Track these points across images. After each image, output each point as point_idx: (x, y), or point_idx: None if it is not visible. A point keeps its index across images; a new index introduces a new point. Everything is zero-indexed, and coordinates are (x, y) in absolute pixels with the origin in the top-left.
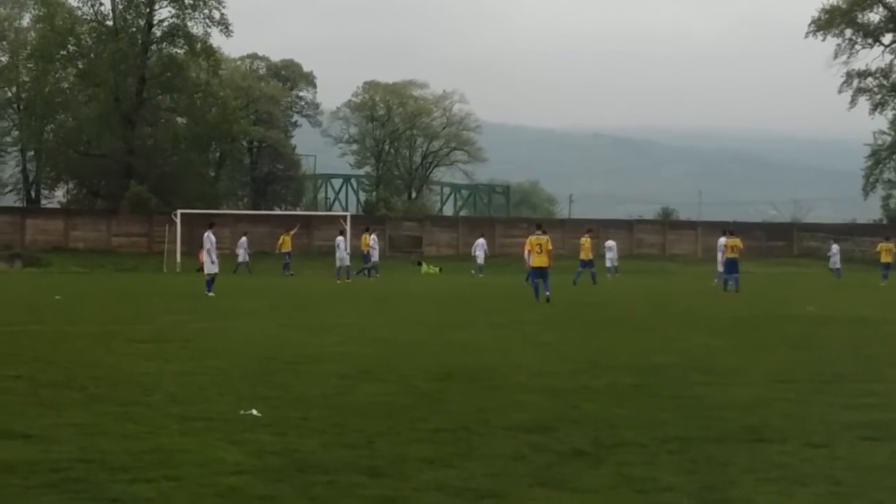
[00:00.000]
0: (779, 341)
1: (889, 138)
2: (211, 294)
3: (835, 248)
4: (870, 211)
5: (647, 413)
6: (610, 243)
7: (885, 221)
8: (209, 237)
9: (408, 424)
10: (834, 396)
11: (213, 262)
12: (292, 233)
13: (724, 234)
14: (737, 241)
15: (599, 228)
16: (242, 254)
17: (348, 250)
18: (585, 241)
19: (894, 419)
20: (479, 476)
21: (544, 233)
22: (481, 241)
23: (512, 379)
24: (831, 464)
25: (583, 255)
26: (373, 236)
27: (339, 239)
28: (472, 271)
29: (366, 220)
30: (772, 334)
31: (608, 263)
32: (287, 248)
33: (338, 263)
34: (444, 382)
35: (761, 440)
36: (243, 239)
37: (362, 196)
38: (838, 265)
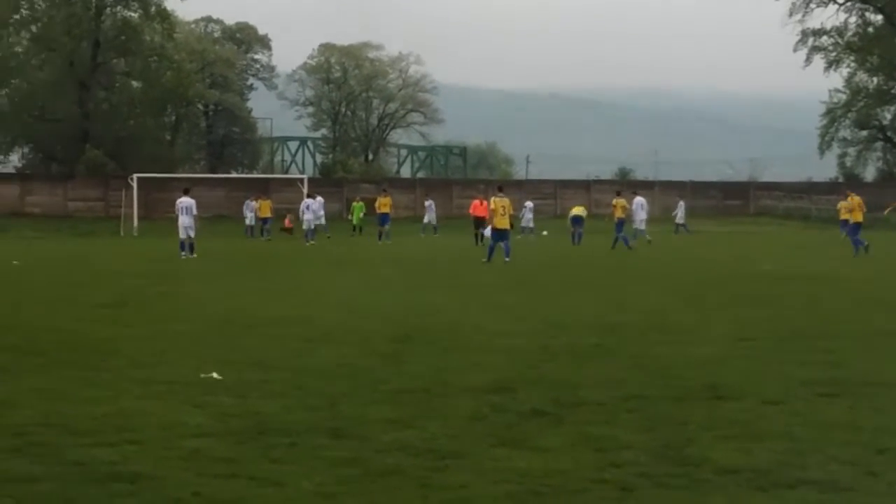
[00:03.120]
0: (736, 300)
1: (844, 97)
2: (185, 256)
3: (681, 204)
4: (826, 169)
5: (606, 372)
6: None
7: (840, 179)
8: (184, 203)
9: (369, 386)
10: (791, 354)
11: (189, 227)
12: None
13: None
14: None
15: (557, 188)
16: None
17: (322, 211)
18: (618, 202)
19: (850, 375)
20: (440, 436)
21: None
22: (429, 202)
23: (471, 340)
24: (788, 420)
25: (619, 215)
26: (318, 199)
27: (309, 201)
28: (421, 233)
29: (323, 183)
30: (729, 293)
31: (680, 220)
32: (266, 213)
33: (305, 226)
34: (404, 344)
35: (719, 398)
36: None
37: (319, 158)
38: (683, 221)
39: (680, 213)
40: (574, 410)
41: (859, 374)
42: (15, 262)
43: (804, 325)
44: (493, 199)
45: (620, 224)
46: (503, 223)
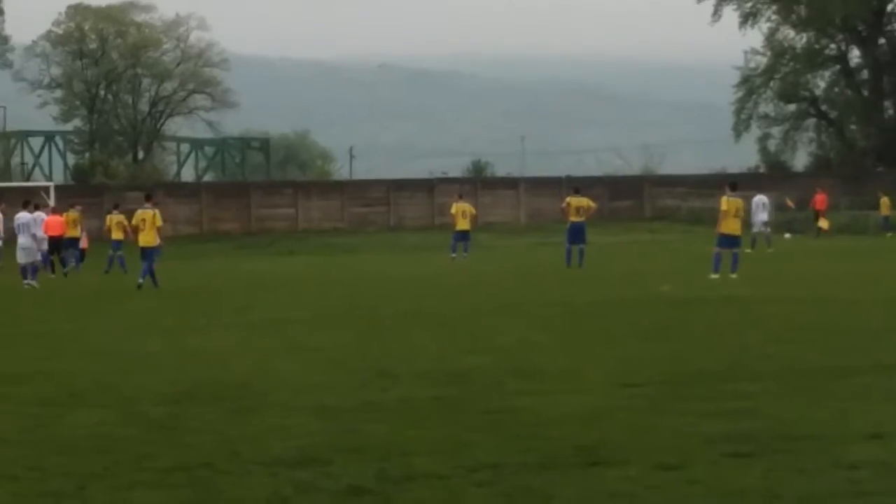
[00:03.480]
0: (624, 333)
1: (764, 59)
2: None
3: (761, 202)
4: (744, 156)
5: (449, 434)
6: (759, 199)
7: (762, 169)
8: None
9: (131, 463)
10: (693, 402)
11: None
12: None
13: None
14: (584, 201)
15: (391, 191)
16: None
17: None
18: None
19: (767, 428)
20: None
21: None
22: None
23: (271, 397)
24: (686, 490)
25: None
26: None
27: (25, 216)
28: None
29: (77, 191)
30: (615, 324)
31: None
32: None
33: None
34: (180, 405)
35: (597, 463)
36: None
37: (71, 159)
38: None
39: (761, 216)
40: (405, 486)
41: (779, 425)
42: None
43: (710, 363)
44: (455, 204)
45: (575, 230)
46: (464, 225)
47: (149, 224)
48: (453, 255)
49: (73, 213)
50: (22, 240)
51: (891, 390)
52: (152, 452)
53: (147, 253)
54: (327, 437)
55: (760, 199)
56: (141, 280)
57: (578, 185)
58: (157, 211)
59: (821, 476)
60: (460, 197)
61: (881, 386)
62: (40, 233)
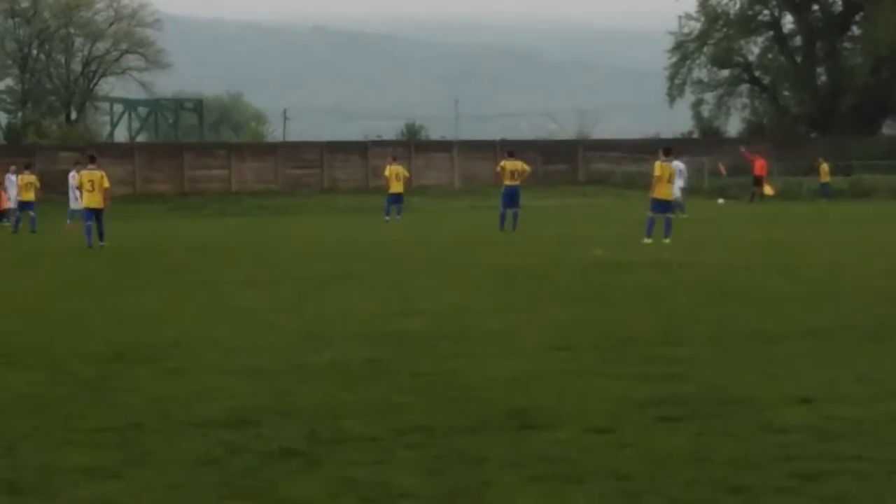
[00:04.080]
0: (557, 297)
1: (698, 25)
2: None
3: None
4: (678, 122)
5: (380, 397)
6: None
7: (696, 135)
8: None
9: (60, 423)
10: (624, 366)
11: None
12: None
13: (508, 155)
14: (518, 165)
15: (324, 153)
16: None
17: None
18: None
19: (697, 392)
20: (155, 488)
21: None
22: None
23: (202, 358)
24: (618, 453)
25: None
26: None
27: (9, 177)
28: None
29: (9, 151)
30: (548, 288)
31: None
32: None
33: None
34: (111, 366)
35: (528, 426)
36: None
37: (3, 118)
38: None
39: (678, 183)
40: (335, 448)
41: (709, 389)
42: None
43: (641, 327)
44: (388, 167)
45: (510, 194)
46: (397, 188)
47: (97, 185)
48: (387, 217)
49: (28, 177)
50: None
51: (821, 355)
52: (82, 412)
53: (97, 214)
54: (258, 399)
55: (677, 164)
56: (102, 242)
57: (512, 148)
58: (104, 172)
59: (750, 440)
60: (394, 159)
61: (811, 351)
62: None
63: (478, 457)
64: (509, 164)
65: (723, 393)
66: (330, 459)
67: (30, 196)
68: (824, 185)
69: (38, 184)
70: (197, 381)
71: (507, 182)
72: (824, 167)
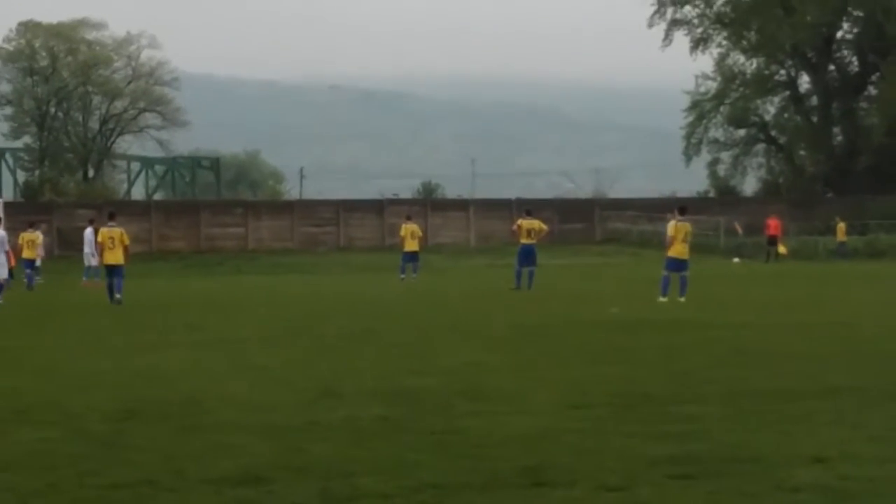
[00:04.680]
0: (572, 355)
1: (714, 84)
2: None
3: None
4: (694, 180)
5: (394, 454)
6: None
7: (712, 194)
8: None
9: (74, 480)
10: (638, 424)
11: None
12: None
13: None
14: (535, 224)
15: (341, 212)
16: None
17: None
18: (524, 223)
19: (711, 450)
20: None
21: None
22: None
23: (216, 416)
24: None
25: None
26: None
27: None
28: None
29: (26, 208)
30: (563, 346)
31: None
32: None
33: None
34: (126, 423)
35: (541, 484)
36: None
37: (21, 176)
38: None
39: None
40: None
41: (723, 447)
42: None
43: (656, 386)
44: (403, 226)
45: (526, 253)
46: (413, 246)
47: (118, 242)
48: (402, 276)
49: (30, 235)
50: None
51: (835, 414)
52: (96, 469)
53: (116, 270)
54: (272, 457)
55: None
56: (119, 295)
57: (530, 207)
58: (123, 229)
59: (764, 499)
60: (408, 218)
61: (825, 410)
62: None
63: None
64: (526, 223)
65: (737, 451)
66: None
67: (31, 254)
68: (841, 244)
69: (39, 241)
70: (211, 438)
71: (524, 240)
72: (841, 226)
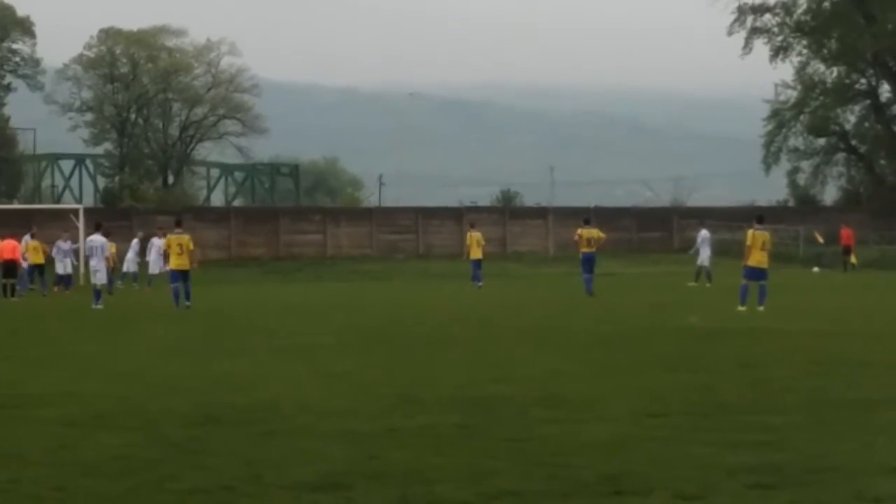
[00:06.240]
0: (650, 363)
1: (794, 94)
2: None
3: (704, 235)
4: (773, 189)
5: (472, 462)
6: (704, 234)
7: (791, 203)
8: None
9: (154, 485)
10: (716, 433)
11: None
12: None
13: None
14: (594, 232)
15: (420, 219)
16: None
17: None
18: (584, 232)
19: (791, 460)
20: None
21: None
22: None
23: (295, 421)
24: None
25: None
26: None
27: (60, 243)
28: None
29: (106, 214)
30: (641, 354)
31: (705, 262)
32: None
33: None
34: (205, 428)
35: (620, 492)
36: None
37: (101, 182)
38: (707, 262)
39: (703, 254)
40: None
41: (802, 457)
42: None
43: (734, 395)
44: (468, 234)
45: (588, 260)
46: (477, 254)
47: (185, 248)
48: (479, 283)
49: (33, 241)
50: (93, 262)
51: None
52: (175, 474)
53: (184, 276)
54: (350, 463)
55: (705, 233)
56: (188, 302)
57: (606, 215)
58: (190, 236)
59: None
60: (472, 227)
61: None
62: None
63: None
64: (586, 232)
65: (816, 461)
66: None
67: (38, 259)
68: None
69: (44, 247)
70: (289, 444)
71: (584, 249)
72: None
